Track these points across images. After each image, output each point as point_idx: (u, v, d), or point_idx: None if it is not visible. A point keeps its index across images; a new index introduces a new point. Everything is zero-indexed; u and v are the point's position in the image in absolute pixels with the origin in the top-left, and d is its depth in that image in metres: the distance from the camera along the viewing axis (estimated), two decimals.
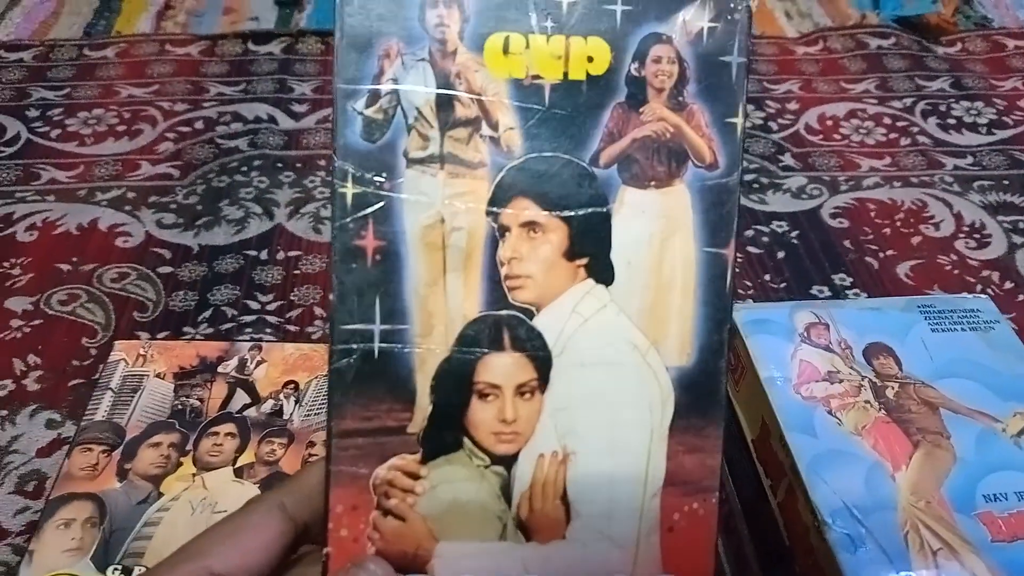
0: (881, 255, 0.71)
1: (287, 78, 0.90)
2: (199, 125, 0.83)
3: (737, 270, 0.69)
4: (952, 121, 0.86)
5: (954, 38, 0.97)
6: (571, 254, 0.30)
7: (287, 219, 0.73)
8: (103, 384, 0.49)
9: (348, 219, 0.29)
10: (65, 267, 0.68)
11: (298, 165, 0.79)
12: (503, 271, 0.29)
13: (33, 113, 0.84)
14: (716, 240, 0.30)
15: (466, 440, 0.29)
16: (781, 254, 0.71)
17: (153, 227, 0.72)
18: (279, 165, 0.79)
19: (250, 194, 0.76)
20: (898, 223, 0.74)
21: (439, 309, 0.29)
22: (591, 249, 0.30)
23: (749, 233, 0.73)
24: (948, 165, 0.80)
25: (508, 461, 0.29)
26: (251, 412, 0.47)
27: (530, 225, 0.29)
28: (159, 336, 0.62)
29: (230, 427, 0.46)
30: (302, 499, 0.30)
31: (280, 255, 0.70)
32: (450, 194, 0.29)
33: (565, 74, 0.29)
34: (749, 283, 0.69)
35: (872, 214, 0.75)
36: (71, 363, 0.61)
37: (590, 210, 0.30)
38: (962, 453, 0.39)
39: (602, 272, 0.30)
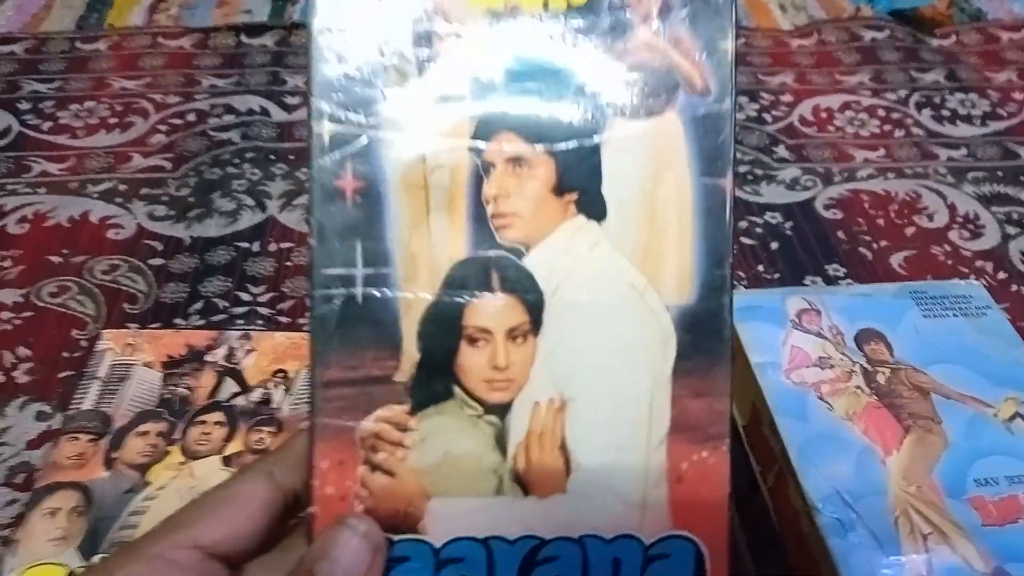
0: (875, 246, 0.71)
1: (280, 70, 0.90)
2: (191, 117, 0.83)
3: (730, 259, 0.69)
4: (946, 113, 0.85)
5: (948, 30, 0.97)
6: (560, 189, 0.28)
7: (279, 211, 0.73)
8: (90, 373, 0.48)
9: (326, 159, 0.27)
10: (56, 259, 0.68)
11: (291, 157, 0.79)
12: (489, 209, 0.28)
13: (25, 106, 0.84)
14: (712, 170, 0.28)
15: (457, 389, 0.28)
16: (775, 245, 0.71)
17: (145, 219, 0.72)
18: (272, 157, 0.79)
19: (242, 186, 0.75)
20: (892, 214, 0.74)
21: (423, 251, 0.28)
22: (581, 183, 0.28)
23: (743, 224, 0.72)
24: (942, 156, 0.80)
25: (502, 410, 0.28)
26: (240, 401, 0.47)
27: (515, 160, 0.28)
28: (150, 328, 0.62)
29: (218, 416, 0.46)
30: (291, 466, 0.29)
31: (272, 247, 0.69)
32: (431, 130, 0.28)
33: (545, 3, 0.28)
34: (743, 273, 0.68)
35: (866, 205, 0.75)
36: (61, 355, 0.60)
37: (578, 143, 0.28)
38: (953, 438, 0.39)
39: (593, 207, 0.28)
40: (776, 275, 0.68)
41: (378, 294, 0.28)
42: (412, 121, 0.28)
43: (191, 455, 0.45)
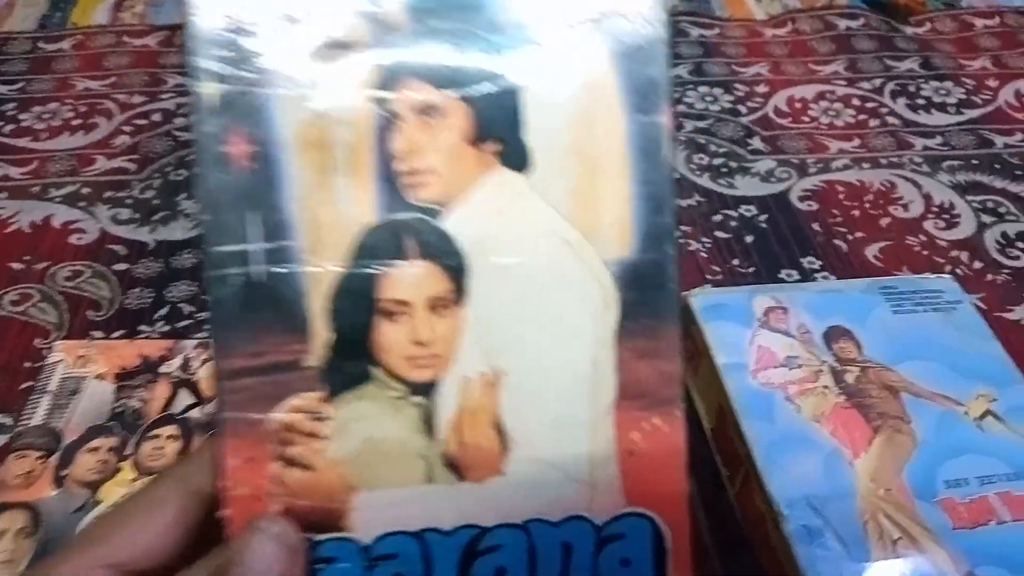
0: (850, 237, 0.70)
1: None
2: (156, 117, 0.81)
3: (704, 255, 0.68)
4: (921, 101, 0.85)
5: (922, 18, 0.96)
6: (478, 139, 0.25)
7: None
8: (41, 387, 0.47)
9: (211, 123, 0.24)
10: (17, 266, 0.66)
11: None
12: (400, 167, 0.25)
13: None
14: (646, 106, 0.26)
15: (376, 369, 0.25)
16: (750, 238, 0.70)
17: (108, 223, 0.71)
18: None
19: None
20: (867, 205, 0.73)
21: (328, 218, 0.25)
22: (500, 131, 0.25)
23: (717, 218, 0.72)
24: (917, 146, 0.79)
25: (428, 389, 0.25)
26: (195, 413, 0.45)
27: (426, 109, 0.25)
28: (113, 335, 0.61)
29: (172, 429, 0.45)
30: (207, 468, 0.26)
31: None
32: (327, 82, 0.25)
33: None
34: (718, 268, 0.67)
35: (841, 196, 0.74)
36: (23, 365, 0.59)
37: (494, 85, 0.25)
38: (923, 437, 0.38)
39: (516, 157, 0.25)
40: (751, 268, 0.67)
41: (280, 270, 0.25)
42: (305, 73, 0.25)
43: (144, 471, 0.44)
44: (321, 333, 0.25)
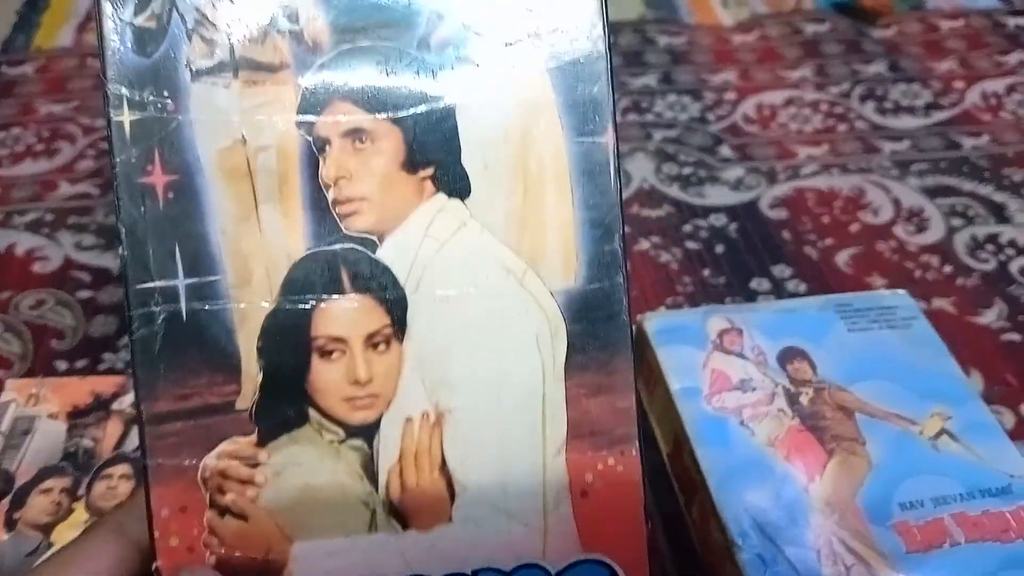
0: (820, 244, 0.70)
1: None
2: None
3: (675, 267, 0.67)
4: (889, 105, 0.85)
5: (889, 21, 0.96)
6: (412, 164, 0.24)
7: None
8: None
9: (129, 152, 0.23)
10: None
11: None
12: (330, 195, 0.24)
13: None
14: (589, 126, 0.24)
15: (312, 411, 0.24)
16: (720, 248, 0.70)
17: (72, 250, 0.70)
18: None
19: None
20: (836, 211, 0.73)
21: (255, 250, 0.24)
22: (436, 155, 0.24)
23: (687, 228, 0.71)
24: (885, 150, 0.79)
25: (368, 431, 0.24)
26: None
27: (355, 133, 0.24)
28: (78, 364, 0.60)
29: (124, 468, 0.44)
30: (142, 516, 0.25)
31: None
32: (249, 107, 0.24)
33: None
34: (688, 278, 0.67)
35: (810, 203, 0.74)
36: None
37: (427, 107, 0.24)
38: (878, 459, 0.38)
39: (454, 182, 0.24)
40: (721, 279, 0.67)
41: (206, 307, 0.24)
42: (226, 98, 0.24)
43: (96, 512, 0.43)
44: (252, 374, 0.24)
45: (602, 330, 0.25)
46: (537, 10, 0.25)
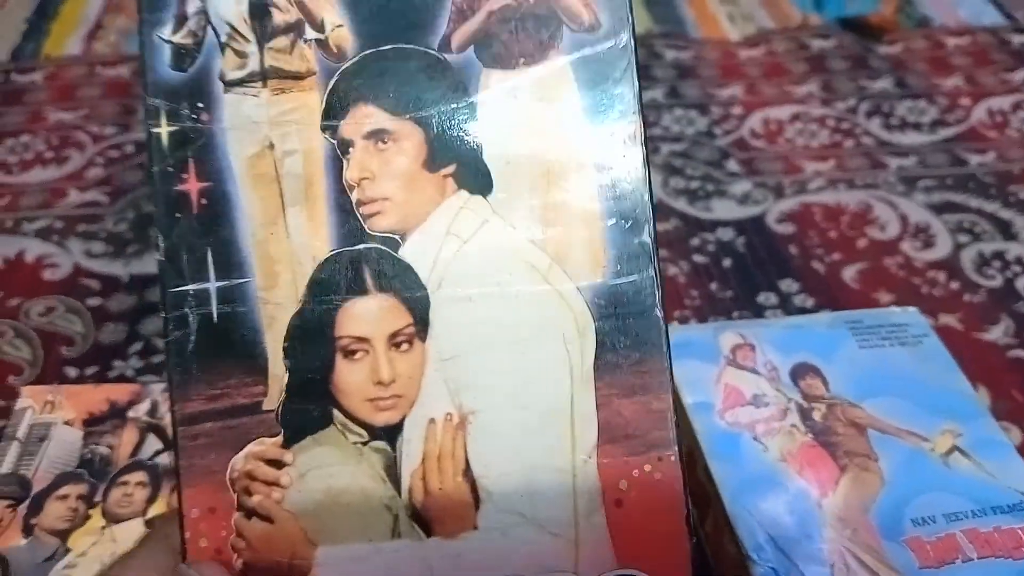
0: (827, 259, 0.70)
1: None
2: (129, 149, 0.81)
3: (682, 280, 0.68)
4: (895, 121, 0.85)
5: (895, 37, 0.96)
6: (433, 163, 0.24)
7: None
8: (9, 434, 0.47)
9: (166, 162, 0.24)
10: None
11: None
12: (353, 196, 0.24)
13: None
14: (614, 116, 0.24)
15: (336, 412, 0.24)
16: (727, 262, 0.70)
17: (81, 257, 0.70)
18: None
19: None
20: (843, 226, 0.73)
21: (282, 253, 0.24)
22: (457, 153, 0.24)
23: (695, 242, 0.72)
24: (892, 166, 0.80)
25: (391, 433, 0.24)
26: (164, 458, 0.45)
27: (377, 135, 0.24)
28: (87, 371, 0.60)
29: (140, 475, 0.44)
30: None
31: None
32: (277, 114, 0.24)
33: None
34: (696, 292, 0.67)
35: (817, 218, 0.74)
36: None
37: (448, 105, 0.24)
38: (890, 475, 0.38)
39: (476, 179, 0.24)
40: (729, 292, 0.67)
41: (236, 309, 0.24)
42: (255, 106, 0.24)
43: (112, 518, 0.43)
44: (279, 374, 0.24)
45: (634, 327, 0.24)
46: (560, 9, 0.25)
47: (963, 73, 0.91)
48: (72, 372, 0.61)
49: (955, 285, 0.68)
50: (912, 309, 0.45)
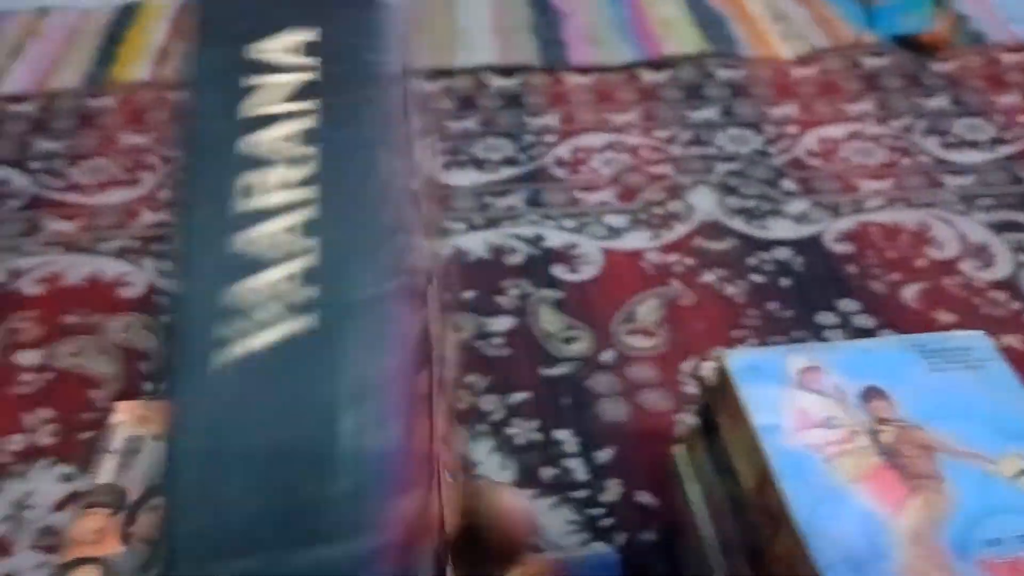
0: (886, 279, 0.70)
1: None
2: None
3: (740, 299, 0.68)
4: (952, 139, 0.85)
5: (949, 54, 0.96)
6: None
7: None
8: (104, 446, 0.49)
9: None
10: (71, 319, 0.69)
11: None
12: None
13: (36, 165, 0.85)
14: None
15: None
16: (785, 281, 0.71)
17: (155, 275, 0.73)
18: None
19: None
20: (902, 245, 0.74)
21: None
22: None
23: (752, 261, 0.72)
24: (950, 184, 0.80)
25: None
26: None
27: None
28: (164, 386, 0.63)
29: None
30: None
31: None
32: None
33: None
34: (754, 311, 0.68)
35: (875, 237, 0.74)
36: (80, 416, 0.62)
37: None
38: (960, 497, 0.38)
39: None
40: (788, 312, 0.68)
41: None
42: None
43: None
44: None
45: None
46: None
47: (1020, 89, 0.91)
48: (149, 386, 0.64)
49: (1016, 305, 0.68)
50: (978, 332, 0.45)
